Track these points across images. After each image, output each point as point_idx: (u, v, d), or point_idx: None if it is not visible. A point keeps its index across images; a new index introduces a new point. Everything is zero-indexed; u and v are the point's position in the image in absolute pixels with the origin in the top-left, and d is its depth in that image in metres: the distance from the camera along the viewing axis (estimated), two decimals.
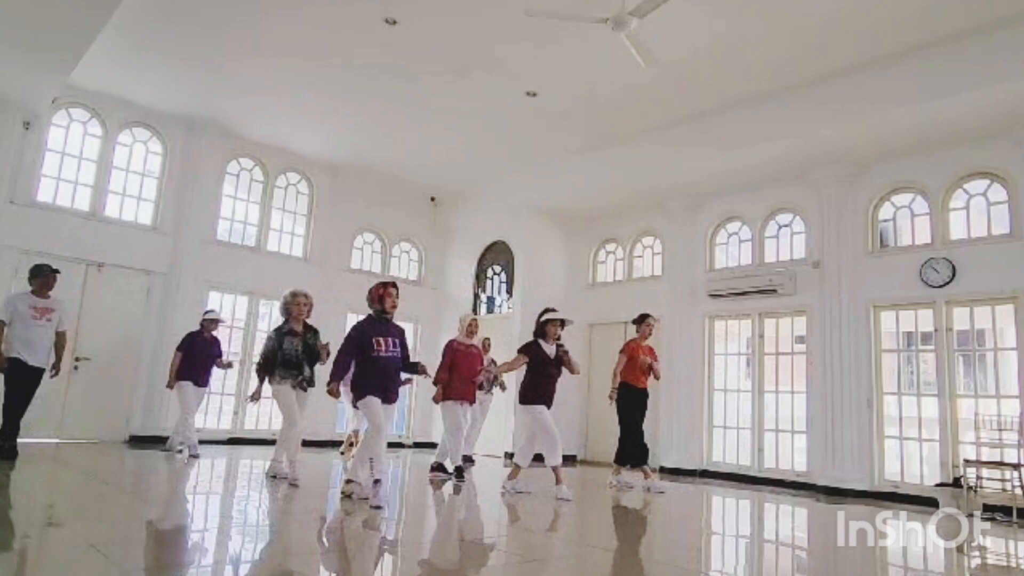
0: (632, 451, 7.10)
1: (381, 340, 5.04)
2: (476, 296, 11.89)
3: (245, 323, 10.06)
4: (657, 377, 7.39)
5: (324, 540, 4.11)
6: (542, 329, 6.21)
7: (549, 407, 6.13)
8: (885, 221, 8.32)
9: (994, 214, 7.46)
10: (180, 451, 7.61)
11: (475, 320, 7.25)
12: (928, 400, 7.71)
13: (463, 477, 6.77)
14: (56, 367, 6.52)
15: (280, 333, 6.00)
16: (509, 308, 11.32)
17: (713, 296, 9.39)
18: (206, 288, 9.68)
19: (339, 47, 7.42)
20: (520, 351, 6.28)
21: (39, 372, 6.39)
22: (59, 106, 8.68)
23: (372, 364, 5.03)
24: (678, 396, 9.47)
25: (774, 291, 8.73)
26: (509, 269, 11.49)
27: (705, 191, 9.70)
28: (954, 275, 7.43)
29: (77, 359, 8.45)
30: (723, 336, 9.70)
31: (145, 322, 9.11)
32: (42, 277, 6.47)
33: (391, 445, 9.90)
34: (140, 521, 4.26)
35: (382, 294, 5.14)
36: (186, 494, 5.75)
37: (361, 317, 5.72)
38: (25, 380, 6.30)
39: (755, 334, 9.15)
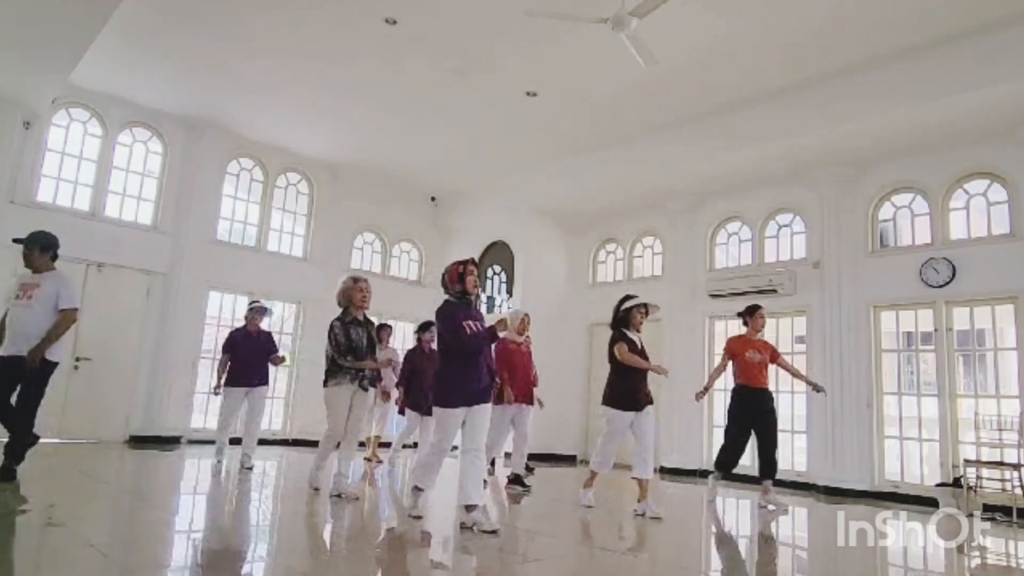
0: (726, 459, 6.30)
1: (471, 324, 4.33)
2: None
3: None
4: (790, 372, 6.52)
5: (318, 537, 4.11)
6: (625, 318, 5.40)
7: (640, 409, 5.29)
8: (885, 221, 8.32)
9: (994, 214, 7.46)
10: (249, 467, 6.77)
11: (527, 316, 6.76)
12: (928, 400, 7.71)
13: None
14: (37, 348, 4.90)
15: (344, 323, 5.29)
16: (509, 308, 11.31)
17: (713, 296, 9.39)
18: (206, 288, 9.68)
19: (339, 47, 7.42)
20: (618, 344, 5.37)
21: (17, 363, 4.92)
22: (59, 106, 8.68)
23: (461, 354, 4.29)
24: (678, 396, 9.47)
25: (774, 291, 8.73)
26: (509, 269, 11.49)
27: (705, 191, 9.70)
28: (954, 275, 7.43)
29: (77, 359, 8.44)
30: (723, 336, 9.67)
31: (145, 322, 9.11)
32: (24, 250, 5.24)
33: (390, 445, 9.87)
34: (140, 521, 4.26)
35: (462, 272, 4.44)
36: (186, 494, 5.75)
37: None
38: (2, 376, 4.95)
39: None
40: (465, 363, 4.27)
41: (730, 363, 6.45)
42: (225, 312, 10.11)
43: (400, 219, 12.05)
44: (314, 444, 9.77)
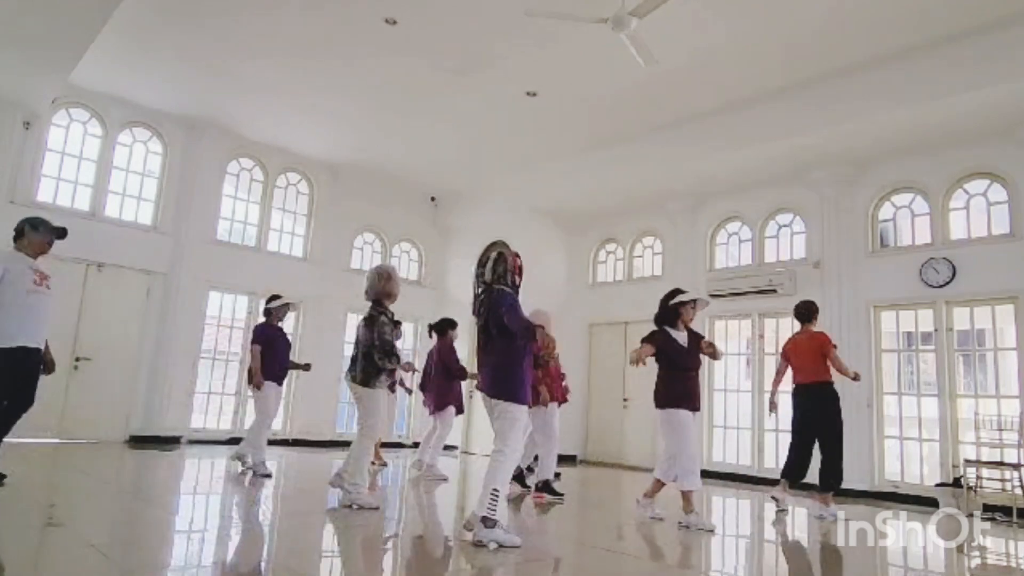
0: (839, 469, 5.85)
1: None
2: (476, 296, 11.87)
3: (246, 323, 10.04)
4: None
5: (319, 538, 4.11)
6: (673, 313, 5.06)
7: (694, 410, 4.98)
8: (885, 221, 8.33)
9: (994, 214, 7.46)
10: (249, 466, 6.28)
11: (550, 315, 6.54)
12: (928, 400, 7.71)
13: (556, 491, 5.96)
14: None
15: (390, 320, 4.88)
16: None
17: (713, 296, 9.36)
18: (206, 288, 9.68)
19: (339, 47, 7.42)
20: (645, 340, 5.01)
21: (40, 356, 4.72)
22: (59, 106, 8.68)
23: (527, 355, 3.96)
24: None
25: (774, 291, 8.72)
26: None
27: (705, 191, 9.70)
28: (954, 275, 7.43)
29: (77, 359, 8.45)
30: (723, 336, 9.69)
31: (145, 322, 9.11)
32: (40, 233, 4.82)
33: (390, 445, 9.88)
34: (140, 521, 4.26)
35: (521, 265, 4.13)
36: (186, 494, 5.75)
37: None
38: (28, 373, 4.61)
39: (755, 334, 9.15)
40: (526, 358, 3.94)
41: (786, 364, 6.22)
42: (225, 312, 10.11)
43: (400, 219, 12.05)
44: (315, 444, 9.92)
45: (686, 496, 4.86)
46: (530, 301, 11.22)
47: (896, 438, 7.85)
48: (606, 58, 6.93)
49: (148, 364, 9.05)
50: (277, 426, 10.03)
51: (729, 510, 6.93)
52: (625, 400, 10.14)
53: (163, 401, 9.00)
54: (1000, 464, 6.61)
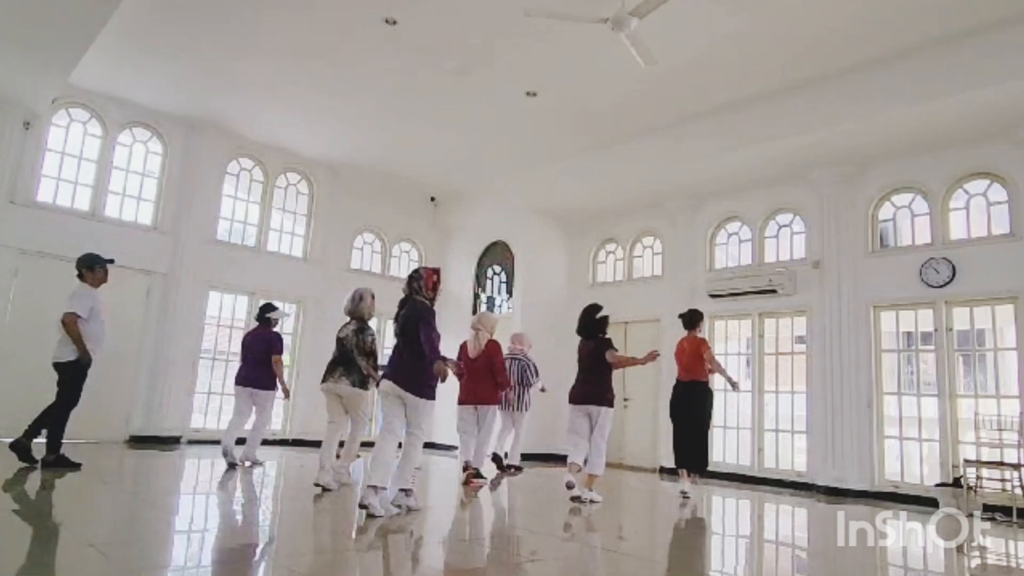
0: None
1: None
2: (476, 296, 11.89)
3: (245, 323, 10.04)
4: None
5: (318, 536, 4.11)
6: (604, 325, 6.13)
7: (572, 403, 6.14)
8: (885, 221, 8.32)
9: (994, 214, 7.46)
10: (260, 463, 7.07)
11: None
12: (928, 400, 7.71)
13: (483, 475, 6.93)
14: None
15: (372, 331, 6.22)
16: (509, 308, 11.32)
17: (713, 296, 9.38)
18: (206, 288, 9.68)
19: (339, 47, 7.42)
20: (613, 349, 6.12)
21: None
22: (59, 106, 8.68)
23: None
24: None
25: (774, 291, 8.72)
26: (509, 269, 11.49)
27: (705, 191, 9.70)
28: (954, 275, 7.43)
29: None
30: (723, 336, 9.69)
31: (145, 322, 9.11)
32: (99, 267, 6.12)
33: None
34: (140, 521, 4.26)
35: (436, 281, 4.95)
36: (186, 494, 5.75)
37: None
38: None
39: (755, 334, 9.14)
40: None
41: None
42: (225, 312, 10.11)
43: (400, 219, 12.05)
44: (315, 444, 9.85)
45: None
46: (529, 301, 11.26)
47: (896, 438, 7.85)
48: (606, 58, 6.93)
49: (148, 364, 9.04)
50: (276, 426, 10.08)
51: (729, 510, 6.92)
52: (626, 400, 10.12)
53: (163, 401, 8.99)
54: (1000, 464, 6.60)
